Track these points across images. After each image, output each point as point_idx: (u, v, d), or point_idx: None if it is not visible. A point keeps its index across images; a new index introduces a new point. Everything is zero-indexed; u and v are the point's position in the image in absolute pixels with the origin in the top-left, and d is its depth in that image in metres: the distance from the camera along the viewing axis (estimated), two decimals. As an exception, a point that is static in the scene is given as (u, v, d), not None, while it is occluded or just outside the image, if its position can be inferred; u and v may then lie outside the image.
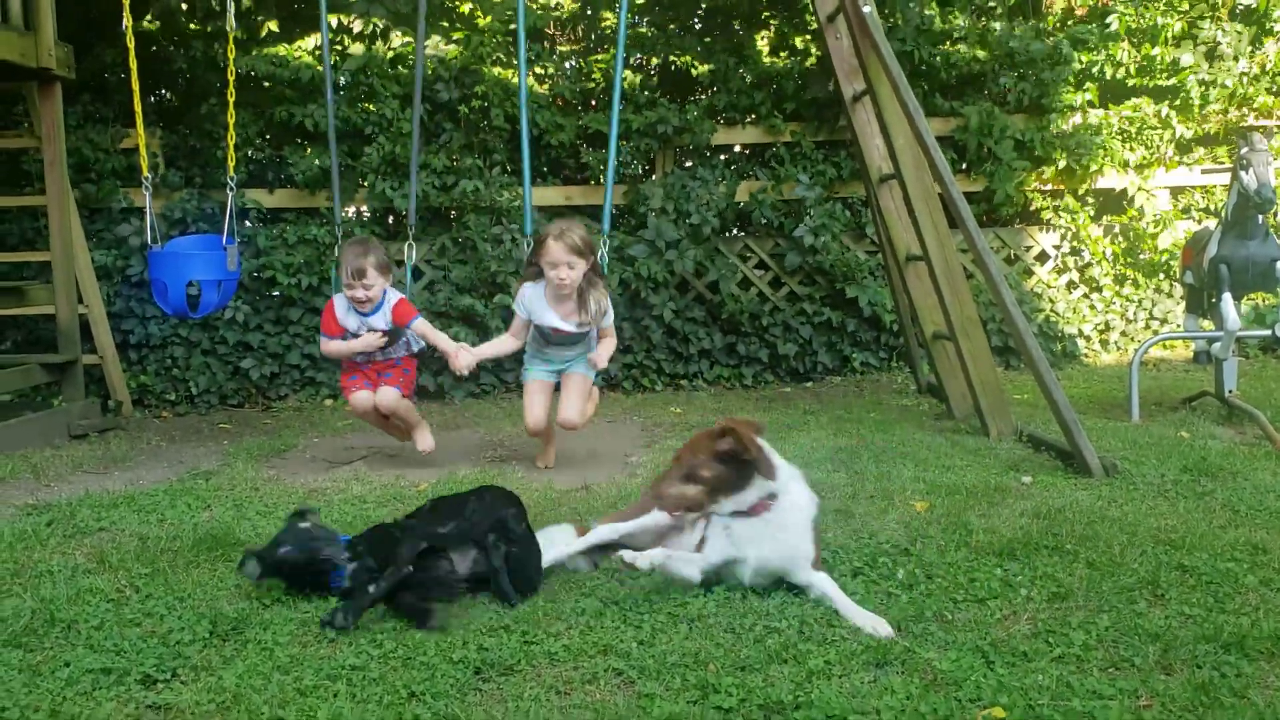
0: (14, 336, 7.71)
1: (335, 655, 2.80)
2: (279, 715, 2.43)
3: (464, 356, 4.91)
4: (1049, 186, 8.20)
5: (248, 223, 7.72)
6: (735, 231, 8.07)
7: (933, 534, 3.76)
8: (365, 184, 7.47)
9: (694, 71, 8.20)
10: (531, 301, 4.92)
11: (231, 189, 5.64)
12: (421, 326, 5.06)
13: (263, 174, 7.78)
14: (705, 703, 2.49)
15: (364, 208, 7.86)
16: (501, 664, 2.73)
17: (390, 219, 7.95)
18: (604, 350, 4.97)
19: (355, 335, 5.06)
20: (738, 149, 8.35)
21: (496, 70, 7.79)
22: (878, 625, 2.93)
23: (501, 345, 5.18)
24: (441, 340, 5.03)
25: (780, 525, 3.21)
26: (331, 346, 5.11)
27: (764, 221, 7.74)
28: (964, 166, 7.89)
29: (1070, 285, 8.33)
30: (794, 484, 3.31)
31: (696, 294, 7.76)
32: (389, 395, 5.06)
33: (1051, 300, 8.18)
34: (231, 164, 5.75)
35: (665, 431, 5.96)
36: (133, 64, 5.65)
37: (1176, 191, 8.37)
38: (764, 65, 8.04)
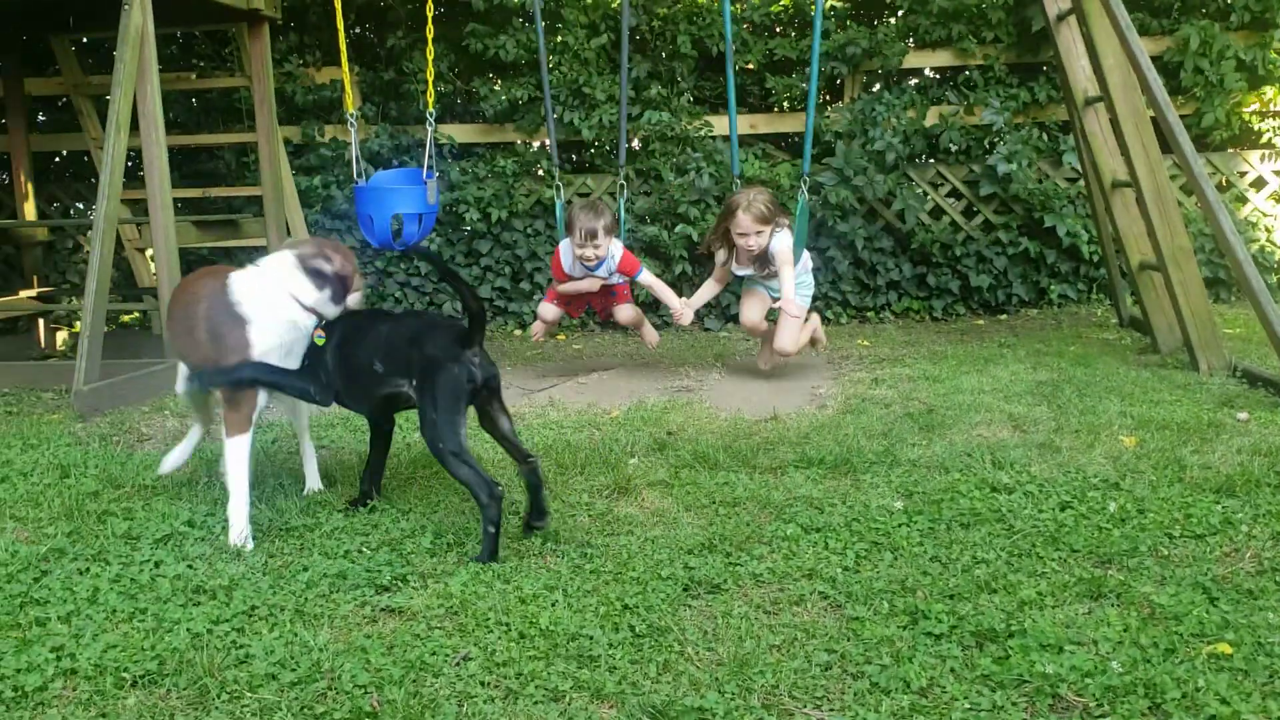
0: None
1: (550, 567, 2.92)
2: (504, 621, 2.56)
3: (687, 313, 5.55)
4: (1274, 108, 7.64)
5: (441, 157, 7.94)
6: (926, 159, 7.85)
7: (1143, 469, 3.64)
8: (555, 116, 7.56)
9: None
10: (723, 255, 5.53)
11: (430, 124, 5.80)
12: (648, 279, 5.55)
13: (454, 108, 7.97)
14: (915, 628, 2.50)
15: (548, 141, 7.97)
16: (708, 582, 2.80)
17: (574, 154, 8.05)
18: (785, 285, 5.34)
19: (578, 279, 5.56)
20: (928, 73, 8.09)
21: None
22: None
23: (710, 290, 5.79)
24: (667, 295, 5.58)
25: None
26: (564, 288, 5.59)
27: (955, 148, 7.50)
28: (1173, 89, 7.44)
29: (1289, 214, 7.81)
30: None
31: (885, 223, 7.61)
32: (626, 312, 5.67)
33: (1268, 230, 7.69)
34: (431, 98, 5.91)
35: (853, 365, 5.91)
36: (337, 1, 5.85)
37: None
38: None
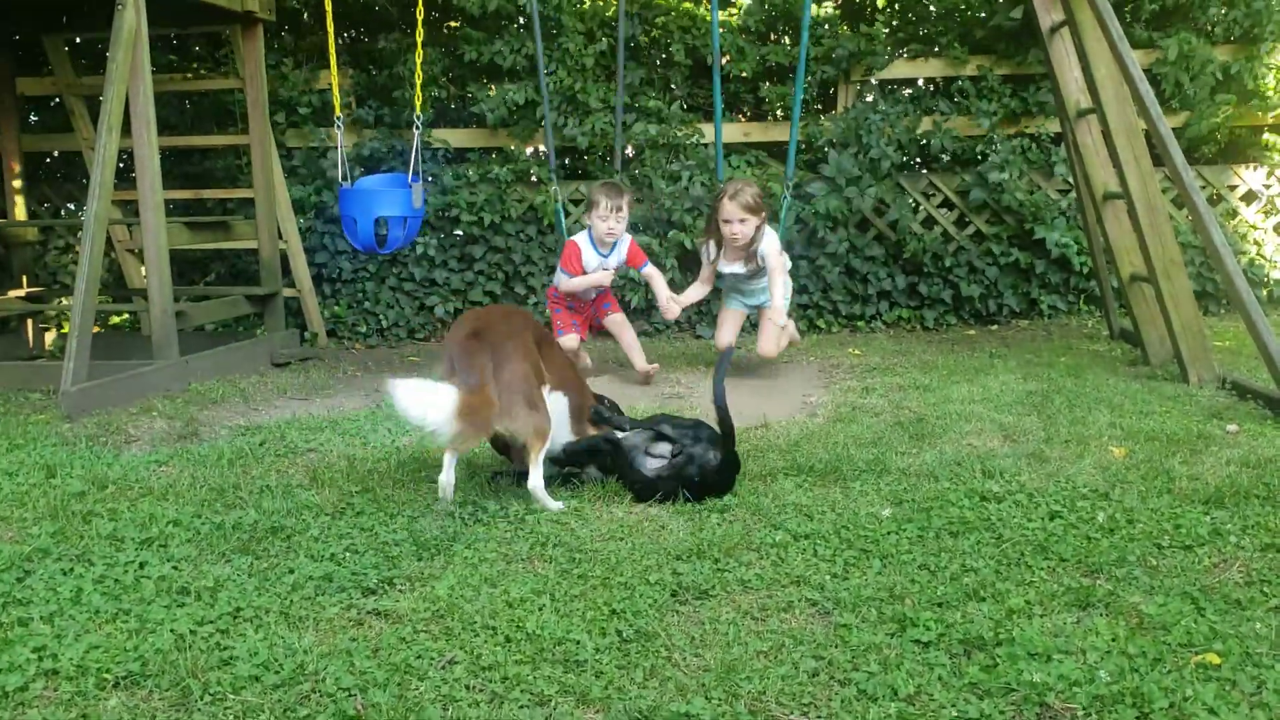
0: (218, 269, 8.18)
1: (538, 571, 2.91)
2: (490, 625, 2.55)
3: (674, 308, 5.65)
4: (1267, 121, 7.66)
5: (435, 161, 7.93)
6: (919, 168, 7.87)
7: (1132, 480, 3.64)
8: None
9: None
10: (713, 252, 5.68)
11: (418, 128, 5.79)
12: (651, 272, 5.76)
13: (448, 113, 7.96)
14: (903, 636, 2.49)
15: (542, 146, 7.98)
16: (696, 588, 2.79)
17: (567, 159, 8.04)
18: (776, 295, 5.56)
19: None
20: (920, 83, 8.11)
21: (680, 2, 7.75)
22: None
23: (697, 292, 5.88)
24: (661, 288, 5.69)
25: None
26: (573, 283, 5.69)
27: (948, 157, 7.51)
28: (1174, 106, 7.46)
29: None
30: None
31: (877, 233, 7.61)
32: (617, 319, 5.90)
33: (1258, 243, 7.71)
34: (419, 104, 5.90)
35: (844, 373, 5.90)
36: (328, 4, 5.84)
37: None
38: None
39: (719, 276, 5.77)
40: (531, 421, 3.43)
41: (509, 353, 3.45)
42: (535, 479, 3.45)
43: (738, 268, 5.58)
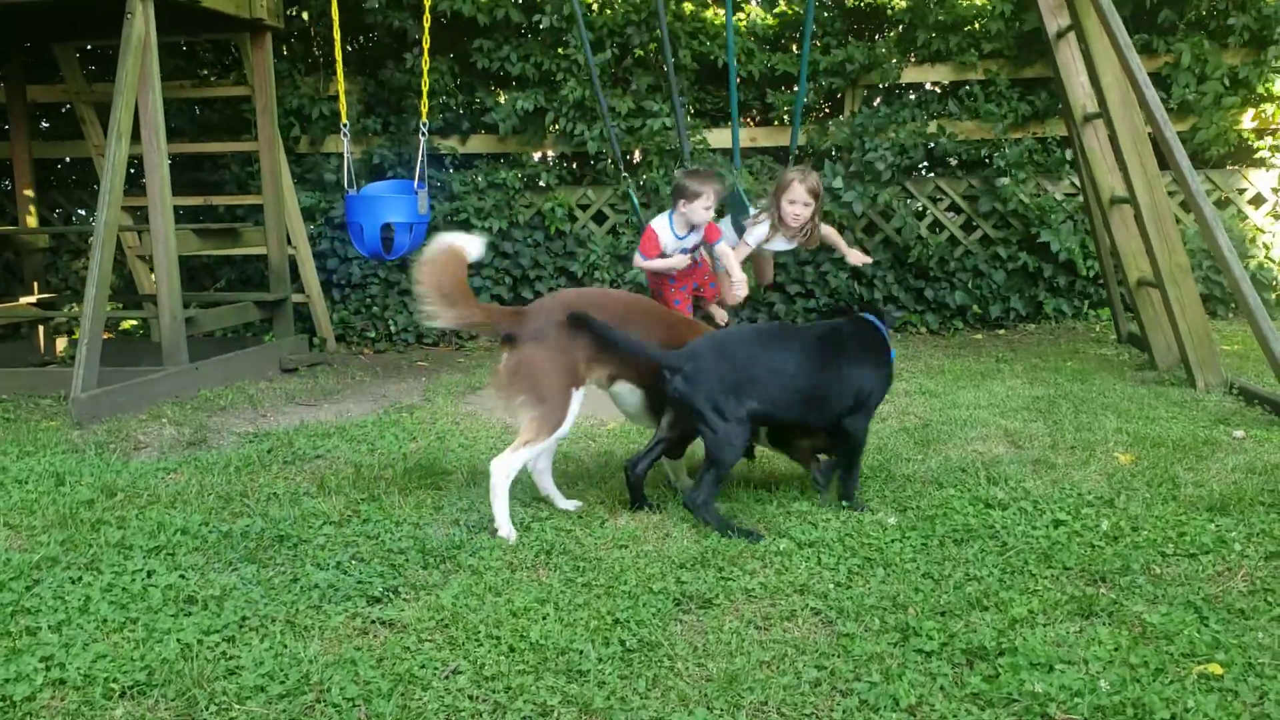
0: (227, 275, 8.21)
1: (542, 580, 2.92)
2: (494, 634, 2.56)
3: (742, 291, 5.26)
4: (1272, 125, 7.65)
5: (443, 168, 7.95)
6: (925, 172, 7.86)
7: (1137, 486, 3.64)
8: (556, 128, 7.59)
9: (889, 10, 7.99)
10: (760, 234, 5.46)
11: (423, 135, 5.81)
12: (723, 249, 5.27)
13: (458, 121, 7.98)
14: (906, 645, 2.50)
15: (551, 152, 8.00)
16: (700, 596, 2.80)
17: (575, 163, 8.06)
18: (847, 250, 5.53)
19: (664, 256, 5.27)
20: (929, 86, 8.10)
21: (686, 6, 7.76)
22: None
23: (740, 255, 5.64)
24: (734, 267, 5.25)
25: None
26: (651, 263, 5.25)
27: (955, 161, 7.51)
28: (1172, 107, 7.45)
29: (1288, 231, 7.81)
30: None
31: (884, 237, 7.61)
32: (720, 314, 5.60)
33: (1266, 246, 7.69)
34: (424, 110, 5.92)
35: (851, 377, 5.90)
36: (334, 12, 5.87)
37: None
38: (961, 5, 7.75)
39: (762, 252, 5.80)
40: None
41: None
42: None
43: (781, 244, 5.58)
